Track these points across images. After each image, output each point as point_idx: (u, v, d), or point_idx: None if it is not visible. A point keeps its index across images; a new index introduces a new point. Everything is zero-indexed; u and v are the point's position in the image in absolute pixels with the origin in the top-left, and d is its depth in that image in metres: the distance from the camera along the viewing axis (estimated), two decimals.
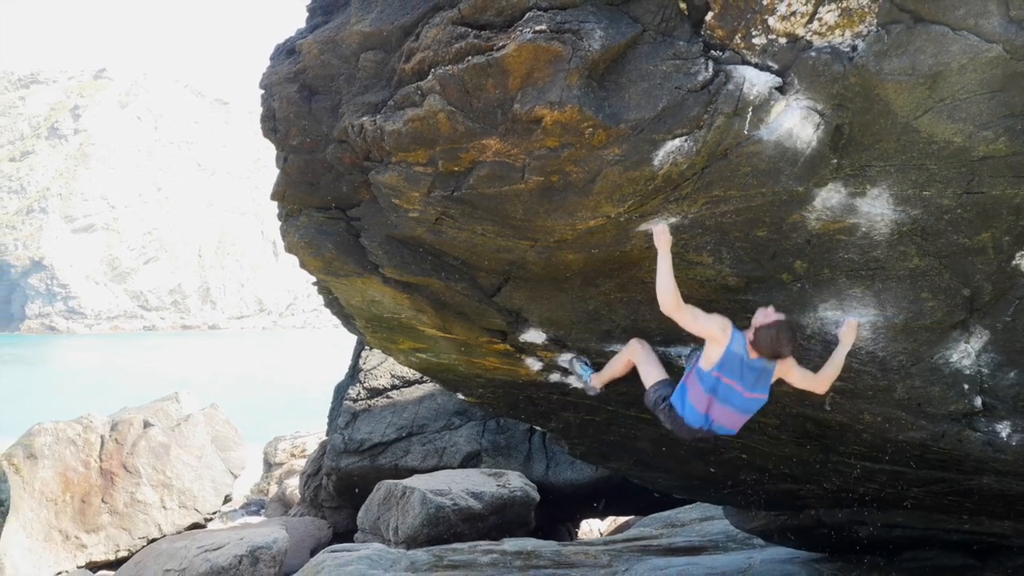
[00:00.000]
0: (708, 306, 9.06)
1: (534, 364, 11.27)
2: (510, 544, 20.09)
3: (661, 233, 8.22)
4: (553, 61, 7.40)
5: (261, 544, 23.63)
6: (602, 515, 32.43)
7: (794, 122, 7.21)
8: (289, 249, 11.08)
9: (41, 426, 31.45)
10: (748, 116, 7.22)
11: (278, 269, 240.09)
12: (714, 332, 8.51)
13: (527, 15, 7.48)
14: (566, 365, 10.67)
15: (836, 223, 7.77)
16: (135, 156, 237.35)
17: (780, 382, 8.90)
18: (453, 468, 28.02)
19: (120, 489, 30.61)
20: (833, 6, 6.74)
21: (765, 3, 6.90)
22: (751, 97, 7.16)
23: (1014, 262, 7.64)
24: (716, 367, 8.48)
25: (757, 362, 8.39)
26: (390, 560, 18.10)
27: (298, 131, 9.97)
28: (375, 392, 30.96)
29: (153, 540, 29.38)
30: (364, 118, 8.86)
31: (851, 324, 8.28)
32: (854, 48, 6.78)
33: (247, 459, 36.65)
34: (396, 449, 29.39)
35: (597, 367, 10.83)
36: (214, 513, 32.83)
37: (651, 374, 9.47)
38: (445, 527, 23.27)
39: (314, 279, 11.85)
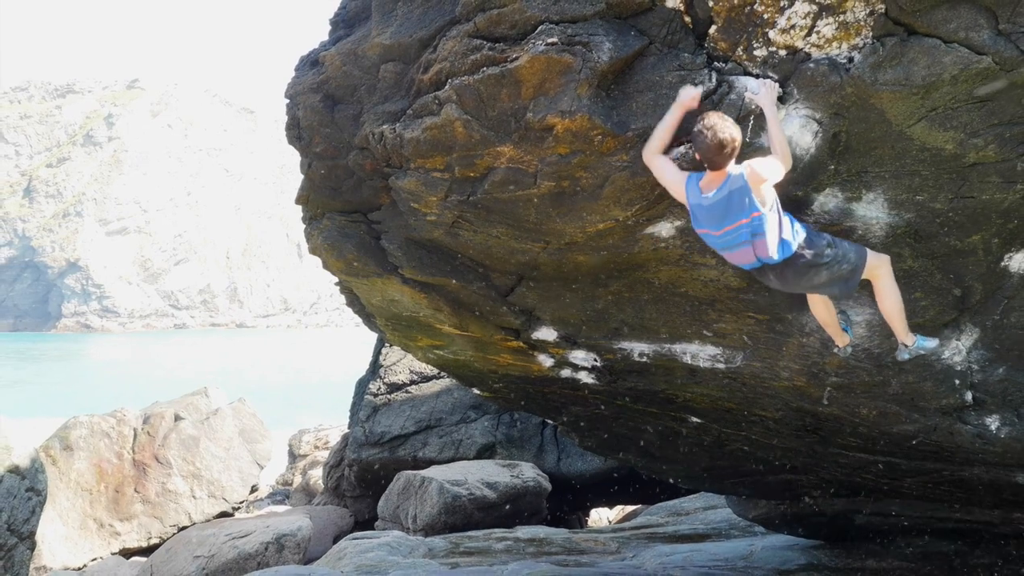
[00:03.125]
0: (712, 304, 9.08)
1: (546, 360, 11.29)
2: (523, 532, 20.14)
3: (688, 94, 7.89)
4: (564, 72, 7.41)
5: (286, 532, 23.69)
6: (611, 504, 32.45)
7: (793, 130, 7.22)
8: (313, 251, 11.12)
9: (77, 419, 31.58)
10: (750, 124, 7.23)
11: (302, 270, 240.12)
12: (674, 184, 7.59)
13: (539, 28, 7.50)
14: None
15: (834, 226, 7.77)
16: (166, 162, 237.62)
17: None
18: (469, 459, 28.08)
19: (152, 479, 30.72)
20: (831, 20, 6.74)
21: (766, 17, 6.90)
22: (753, 106, 7.17)
23: (1003, 263, 7.64)
24: (696, 224, 7.66)
25: (710, 196, 7.35)
26: (409, 547, 18.14)
27: (321, 139, 9.99)
28: (395, 387, 31.01)
29: (183, 528, 29.47)
30: (384, 126, 8.88)
31: (768, 85, 7.21)
32: (851, 60, 6.79)
33: (273, 451, 36.72)
34: (415, 441, 29.45)
35: (607, 363, 10.84)
36: (241, 502, 32.92)
37: None
38: (461, 515, 23.31)
39: (337, 279, 11.89)
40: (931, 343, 7.96)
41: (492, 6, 7.81)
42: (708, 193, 7.30)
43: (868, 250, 7.68)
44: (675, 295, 9.18)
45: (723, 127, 6.96)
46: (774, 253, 7.35)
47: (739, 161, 7.16)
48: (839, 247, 7.54)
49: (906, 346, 7.94)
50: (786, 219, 7.40)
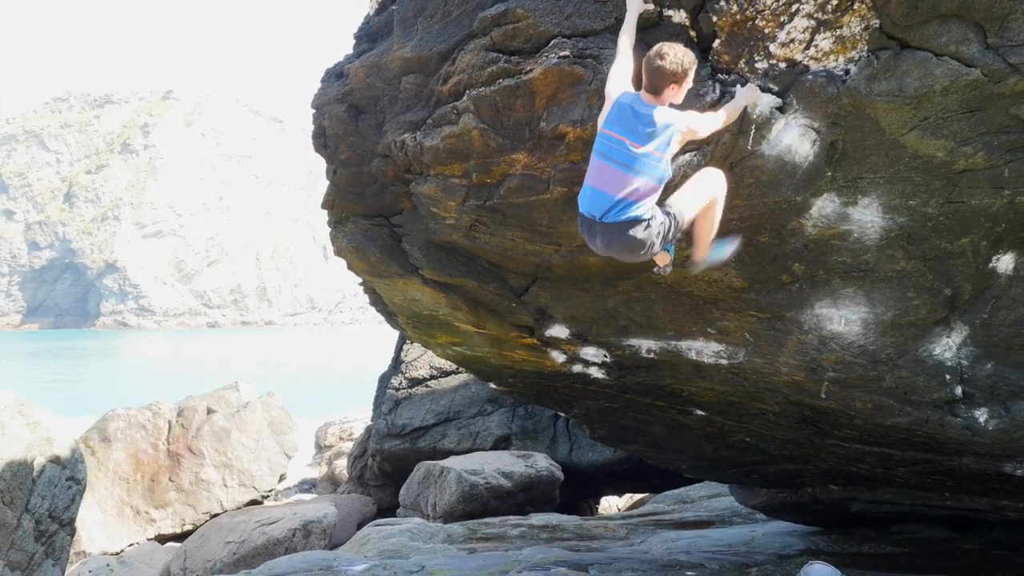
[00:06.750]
0: (716, 304, 9.09)
1: (559, 356, 11.30)
2: (537, 519, 20.16)
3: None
4: (576, 83, 7.44)
5: (313, 519, 23.77)
6: (620, 492, 32.46)
7: (793, 138, 7.22)
8: (338, 253, 11.15)
9: (114, 412, 31.71)
10: (751, 133, 7.23)
11: (328, 271, 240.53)
12: (610, 92, 7.17)
13: (552, 42, 7.53)
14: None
15: (831, 229, 7.77)
16: (199, 169, 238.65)
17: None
18: (486, 450, 28.14)
19: (186, 469, 30.81)
20: (828, 34, 6.75)
21: (767, 31, 6.91)
22: (754, 116, 7.16)
23: (991, 264, 7.63)
24: (606, 123, 7.07)
25: (649, 109, 6.86)
26: (429, 533, 18.18)
27: (346, 147, 10.03)
28: (415, 381, 31.10)
29: (215, 515, 29.55)
30: (405, 135, 8.92)
31: (752, 87, 7.10)
32: (847, 72, 6.79)
33: (300, 442, 36.77)
34: (434, 433, 29.55)
35: (616, 359, 10.84)
36: (270, 491, 32.97)
37: None
38: (478, 503, 23.37)
39: (360, 280, 11.92)
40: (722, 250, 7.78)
41: (507, 21, 7.85)
42: (644, 98, 6.92)
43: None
44: (681, 295, 9.19)
45: (673, 58, 6.72)
46: (630, 196, 6.85)
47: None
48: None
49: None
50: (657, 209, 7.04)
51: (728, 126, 7.10)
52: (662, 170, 6.87)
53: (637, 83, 6.96)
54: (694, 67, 6.85)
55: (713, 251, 7.66)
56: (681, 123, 6.80)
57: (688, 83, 6.89)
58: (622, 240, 7.00)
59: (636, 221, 6.88)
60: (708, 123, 6.98)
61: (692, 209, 7.17)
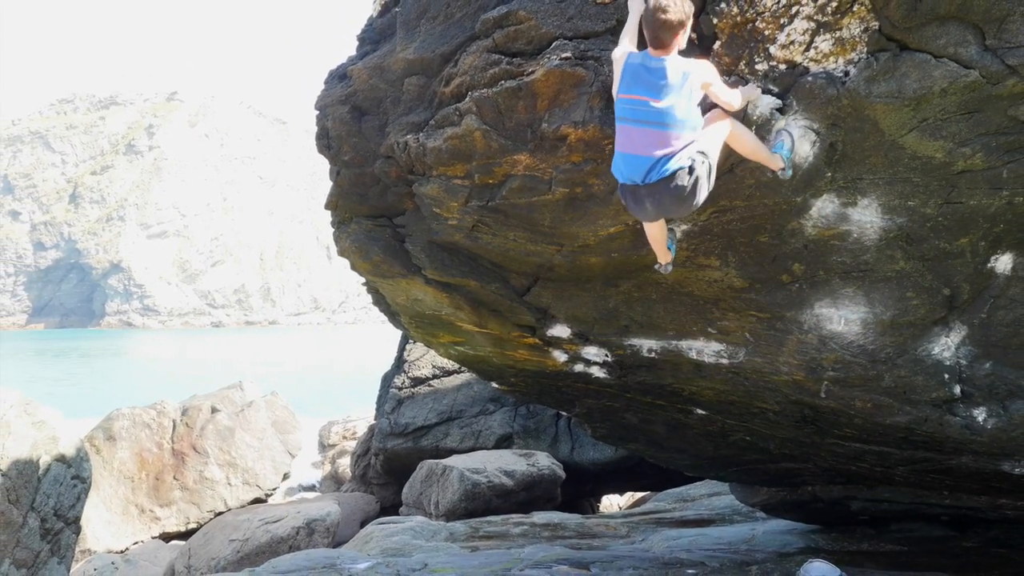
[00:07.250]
0: (716, 304, 9.09)
1: (560, 356, 11.29)
2: (539, 517, 20.16)
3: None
4: (577, 85, 7.44)
5: (316, 517, 23.79)
6: (621, 490, 32.48)
7: (793, 139, 7.21)
8: (341, 253, 11.16)
9: (119, 411, 31.81)
10: (752, 131, 7.23)
11: (331, 271, 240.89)
12: (615, 57, 7.10)
13: (554, 44, 7.54)
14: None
15: (830, 230, 7.77)
16: (203, 170, 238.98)
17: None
18: (488, 449, 28.17)
19: (190, 468, 30.88)
20: (828, 36, 6.74)
21: (767, 33, 6.91)
22: (755, 117, 7.16)
23: (989, 264, 7.63)
24: (621, 88, 6.97)
25: (660, 62, 6.77)
26: (432, 531, 18.19)
27: (349, 148, 10.04)
28: (418, 381, 31.14)
29: (220, 513, 29.61)
30: (408, 136, 8.93)
31: (752, 87, 7.14)
32: (846, 73, 6.78)
33: (303, 441, 36.87)
34: (437, 432, 29.58)
35: (618, 358, 10.84)
36: (274, 489, 33.05)
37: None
38: (481, 502, 23.40)
39: (364, 280, 11.92)
40: (781, 142, 7.28)
41: (509, 23, 7.86)
42: (650, 60, 6.82)
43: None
44: (681, 294, 9.19)
45: (675, 8, 6.65)
46: (667, 152, 6.75)
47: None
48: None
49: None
50: (695, 152, 6.86)
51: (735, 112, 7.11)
52: (694, 118, 6.81)
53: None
54: (693, 9, 6.81)
55: (780, 152, 7.50)
56: (698, 73, 6.74)
57: (688, 29, 6.81)
58: (671, 193, 6.89)
59: (678, 171, 6.79)
60: (725, 90, 6.92)
61: (716, 142, 7.07)
